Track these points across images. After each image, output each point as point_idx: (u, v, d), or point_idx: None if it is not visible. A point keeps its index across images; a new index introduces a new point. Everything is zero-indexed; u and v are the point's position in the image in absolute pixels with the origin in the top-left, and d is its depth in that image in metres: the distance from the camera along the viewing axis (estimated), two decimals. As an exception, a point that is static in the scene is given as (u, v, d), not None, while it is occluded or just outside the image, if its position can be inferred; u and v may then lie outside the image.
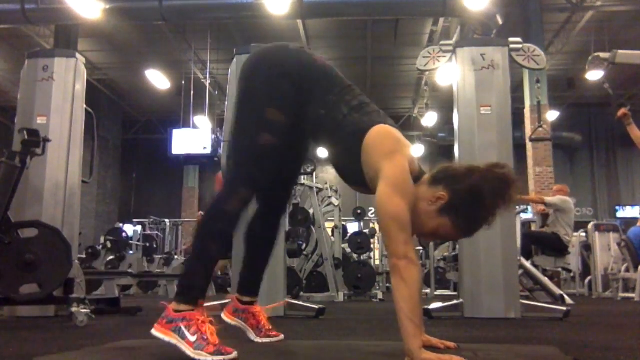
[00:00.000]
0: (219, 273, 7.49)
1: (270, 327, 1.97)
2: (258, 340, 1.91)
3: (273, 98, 1.73)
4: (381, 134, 1.61)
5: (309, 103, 1.72)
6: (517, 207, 7.06)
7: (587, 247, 8.37)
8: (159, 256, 10.06)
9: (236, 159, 1.77)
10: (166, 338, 1.57)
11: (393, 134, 1.62)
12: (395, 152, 1.56)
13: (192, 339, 1.54)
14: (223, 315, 1.94)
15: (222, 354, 1.51)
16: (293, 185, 2.08)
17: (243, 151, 1.75)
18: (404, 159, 1.55)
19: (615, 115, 4.48)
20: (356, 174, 1.64)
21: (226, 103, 3.83)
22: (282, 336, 1.96)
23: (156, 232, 11.38)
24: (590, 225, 8.11)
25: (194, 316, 1.58)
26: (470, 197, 1.50)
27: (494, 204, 1.49)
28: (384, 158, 1.55)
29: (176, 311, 1.60)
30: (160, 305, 1.66)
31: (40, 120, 3.66)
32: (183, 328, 1.56)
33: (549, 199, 6.04)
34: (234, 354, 1.52)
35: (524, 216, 7.26)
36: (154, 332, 1.60)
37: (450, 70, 3.92)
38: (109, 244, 8.06)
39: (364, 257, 7.54)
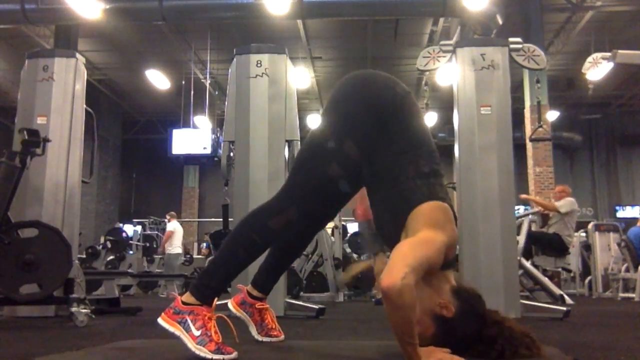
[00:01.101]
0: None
1: (274, 327, 1.96)
2: (259, 338, 1.91)
3: (357, 132, 1.63)
4: (434, 209, 1.53)
5: (384, 150, 1.62)
6: (525, 208, 7.07)
7: (587, 247, 8.38)
8: (159, 256, 10.06)
9: (298, 177, 1.72)
10: (171, 328, 1.57)
11: (446, 211, 1.54)
12: (441, 228, 1.49)
13: (197, 333, 1.54)
14: (230, 304, 1.93)
15: (223, 354, 1.51)
16: (324, 222, 2.04)
17: (308, 173, 1.69)
18: (446, 239, 1.47)
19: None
20: (393, 238, 1.55)
21: (226, 103, 3.83)
22: (282, 337, 1.96)
23: (156, 232, 11.38)
24: (590, 225, 8.11)
25: (201, 311, 1.58)
26: (465, 335, 1.47)
27: (476, 353, 1.46)
28: (428, 227, 1.48)
29: (185, 304, 1.60)
30: (169, 295, 1.67)
31: (40, 120, 3.66)
32: (189, 321, 1.56)
33: (559, 203, 5.99)
34: (234, 354, 1.52)
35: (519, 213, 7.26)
36: (160, 320, 1.60)
37: (450, 70, 3.92)
38: (109, 244, 8.05)
39: (364, 257, 7.54)
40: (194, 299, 1.60)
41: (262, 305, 1.94)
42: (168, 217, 10.15)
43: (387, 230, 1.63)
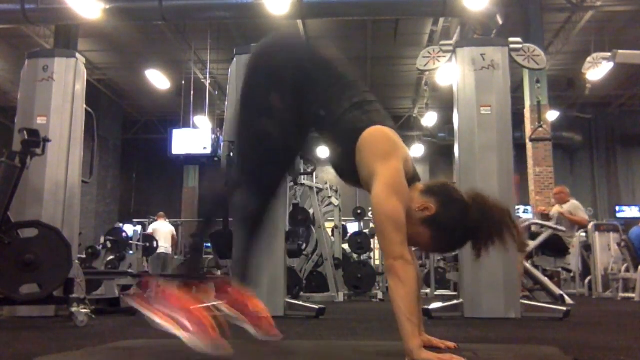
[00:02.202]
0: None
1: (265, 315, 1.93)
2: (258, 335, 1.87)
3: (278, 85, 1.73)
4: (377, 134, 1.60)
5: (312, 94, 1.72)
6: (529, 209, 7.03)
7: (587, 247, 8.37)
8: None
9: (241, 146, 1.81)
10: (151, 315, 1.59)
11: (389, 135, 1.62)
12: (391, 154, 1.56)
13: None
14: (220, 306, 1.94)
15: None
16: (285, 176, 2.09)
17: (248, 138, 1.79)
18: (399, 162, 1.55)
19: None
20: (350, 171, 1.65)
21: (226, 103, 3.83)
22: (281, 336, 1.93)
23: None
24: (590, 225, 8.10)
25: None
26: (456, 224, 1.53)
27: (474, 242, 1.53)
28: (379, 159, 1.55)
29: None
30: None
31: (40, 120, 3.66)
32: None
33: (567, 207, 5.99)
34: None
35: (524, 216, 7.26)
36: (134, 304, 1.64)
37: (450, 70, 3.92)
38: (109, 244, 8.04)
39: (364, 257, 7.54)
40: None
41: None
42: (156, 217, 10.21)
43: (344, 166, 1.71)
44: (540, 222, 5.94)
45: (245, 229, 1.95)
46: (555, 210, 6.24)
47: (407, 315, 1.40)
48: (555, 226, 5.95)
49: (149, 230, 9.62)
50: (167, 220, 10.59)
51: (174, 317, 1.56)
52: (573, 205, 6.00)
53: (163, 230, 9.83)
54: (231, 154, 3.75)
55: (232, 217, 1.78)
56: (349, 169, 1.64)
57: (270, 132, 1.72)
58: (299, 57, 1.77)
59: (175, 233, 10.38)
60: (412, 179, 1.60)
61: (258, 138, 1.74)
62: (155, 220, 10.17)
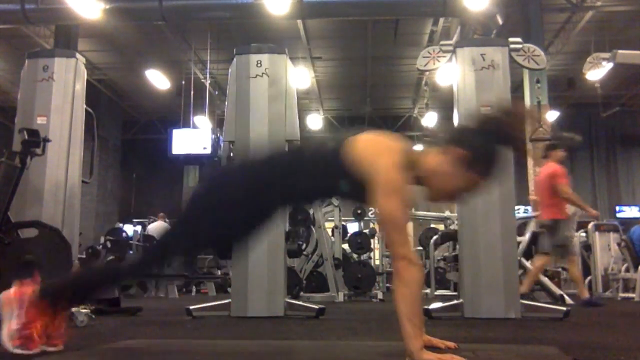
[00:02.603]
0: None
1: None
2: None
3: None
4: (361, 144, 1.59)
5: (282, 193, 1.70)
6: (533, 210, 7.02)
7: (587, 247, 8.37)
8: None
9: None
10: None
11: (371, 138, 1.62)
12: (381, 155, 1.55)
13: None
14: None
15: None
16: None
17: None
18: (390, 158, 1.54)
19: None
20: (357, 195, 1.62)
21: (226, 103, 3.83)
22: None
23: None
24: (590, 225, 8.11)
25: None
26: (488, 143, 1.53)
27: (514, 141, 1.54)
28: (372, 165, 1.53)
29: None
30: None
31: (40, 120, 3.66)
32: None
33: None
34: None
35: (523, 215, 7.26)
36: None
37: (450, 70, 3.92)
38: (109, 244, 8.05)
39: (364, 257, 7.54)
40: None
41: None
42: (157, 217, 10.28)
43: (350, 197, 1.73)
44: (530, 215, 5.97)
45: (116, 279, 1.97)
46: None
47: (408, 317, 1.40)
48: (535, 213, 5.97)
49: (149, 229, 9.66)
50: (167, 221, 10.63)
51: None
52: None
53: (159, 229, 9.85)
54: (231, 154, 3.77)
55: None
56: (356, 193, 1.61)
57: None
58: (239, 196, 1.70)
59: None
60: (413, 155, 1.59)
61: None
62: (155, 221, 10.19)
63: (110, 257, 8.05)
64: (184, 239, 1.70)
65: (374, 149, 1.58)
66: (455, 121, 3.73)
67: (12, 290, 1.71)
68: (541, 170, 5.29)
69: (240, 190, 1.67)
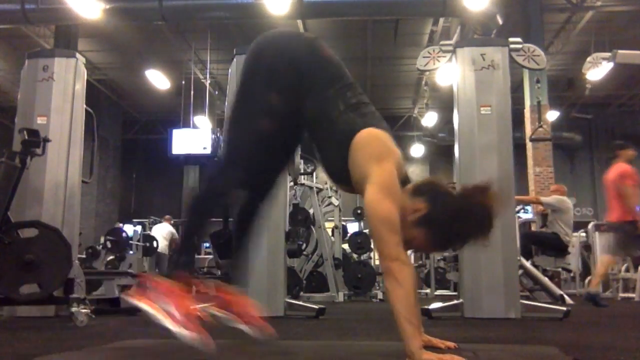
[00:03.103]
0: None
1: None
2: (248, 331, 1.85)
3: (277, 83, 1.72)
4: (371, 137, 1.60)
5: (309, 94, 1.71)
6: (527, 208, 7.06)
7: (587, 247, 8.37)
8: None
9: (234, 139, 1.77)
10: (143, 305, 1.59)
11: (383, 138, 1.62)
12: (384, 157, 1.56)
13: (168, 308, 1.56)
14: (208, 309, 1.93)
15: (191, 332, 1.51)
16: (281, 175, 2.05)
17: (242, 132, 1.75)
18: (392, 165, 1.55)
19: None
20: (342, 173, 1.64)
21: (226, 103, 3.83)
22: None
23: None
24: (590, 225, 8.11)
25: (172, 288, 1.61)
26: (447, 218, 1.51)
27: (470, 232, 1.52)
28: (373, 162, 1.54)
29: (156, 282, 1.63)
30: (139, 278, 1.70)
31: (40, 120, 3.66)
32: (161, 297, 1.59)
33: (545, 199, 6.03)
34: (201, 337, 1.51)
35: (524, 216, 7.27)
36: (128, 299, 1.64)
37: (450, 70, 3.92)
38: (109, 244, 8.05)
39: (364, 257, 7.54)
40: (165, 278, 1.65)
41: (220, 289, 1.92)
42: (162, 219, 10.38)
43: (334, 170, 1.71)
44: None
45: (236, 227, 1.96)
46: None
47: (406, 317, 1.39)
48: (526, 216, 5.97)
49: (153, 230, 9.71)
50: (172, 222, 10.71)
51: (163, 306, 1.57)
52: (553, 197, 6.02)
53: (163, 231, 9.89)
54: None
55: (229, 214, 1.78)
56: (342, 171, 1.64)
57: (269, 131, 1.71)
58: (297, 55, 1.75)
59: (176, 235, 10.44)
60: (403, 182, 1.60)
61: (256, 136, 1.72)
62: (160, 222, 10.27)
63: (110, 257, 8.07)
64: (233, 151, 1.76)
65: (380, 147, 1.59)
66: (456, 121, 3.73)
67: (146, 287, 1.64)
68: (610, 170, 5.25)
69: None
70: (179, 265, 1.68)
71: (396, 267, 1.43)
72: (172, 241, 10.02)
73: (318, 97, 1.70)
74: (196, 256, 12.41)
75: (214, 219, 1.82)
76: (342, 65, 1.80)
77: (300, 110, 1.72)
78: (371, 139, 1.60)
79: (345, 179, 1.64)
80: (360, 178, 1.57)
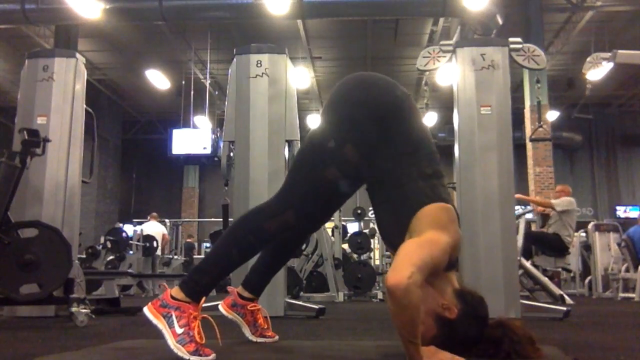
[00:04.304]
0: None
1: (267, 327, 1.96)
2: (253, 338, 1.90)
3: (355, 135, 1.62)
4: (439, 209, 1.53)
5: (384, 152, 1.61)
6: (522, 207, 7.07)
7: (587, 247, 8.38)
8: (167, 255, 10.09)
9: (296, 179, 1.71)
10: (154, 320, 1.57)
11: (450, 213, 1.55)
12: (445, 228, 1.50)
13: (179, 330, 1.53)
14: (220, 307, 1.93)
15: (200, 355, 1.49)
16: (325, 220, 2.00)
17: (307, 176, 1.68)
18: (451, 240, 1.48)
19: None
20: (396, 238, 1.54)
21: (226, 103, 3.83)
22: (276, 337, 1.95)
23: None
24: (590, 225, 8.11)
25: (188, 309, 1.57)
26: (463, 338, 1.48)
27: (471, 354, 1.47)
28: (433, 228, 1.48)
29: (173, 298, 1.59)
30: (161, 286, 1.66)
31: (40, 120, 3.66)
32: (174, 317, 1.55)
33: (555, 201, 6.00)
34: (212, 356, 1.51)
35: (526, 216, 7.27)
36: (145, 310, 1.60)
37: (450, 70, 3.92)
38: (109, 244, 8.05)
39: (364, 257, 7.54)
40: (183, 295, 1.59)
41: (254, 306, 1.93)
42: (149, 217, 10.31)
43: (390, 233, 1.62)
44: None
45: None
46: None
47: (408, 339, 1.35)
48: (525, 210, 5.97)
49: (138, 230, 9.65)
50: (163, 220, 10.67)
51: (166, 315, 1.56)
52: (562, 199, 6.01)
53: (152, 231, 9.84)
54: (231, 154, 3.76)
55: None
56: (397, 237, 1.54)
57: (333, 179, 1.64)
58: (386, 112, 1.63)
59: (166, 233, 10.45)
60: (450, 267, 1.53)
61: (318, 182, 1.65)
62: (148, 221, 10.24)
63: (110, 257, 8.07)
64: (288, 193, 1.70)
65: (446, 220, 1.53)
66: (456, 121, 3.73)
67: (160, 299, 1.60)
68: None
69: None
70: (197, 290, 1.61)
71: (404, 287, 1.30)
72: (163, 240, 10.01)
73: (393, 159, 1.61)
74: (196, 256, 12.45)
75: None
76: (427, 130, 1.71)
77: (370, 165, 1.63)
78: (438, 212, 1.53)
79: (397, 243, 1.52)
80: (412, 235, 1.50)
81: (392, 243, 1.58)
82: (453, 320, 1.47)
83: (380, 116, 1.62)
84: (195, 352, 1.49)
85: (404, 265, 1.34)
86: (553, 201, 6.02)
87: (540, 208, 6.64)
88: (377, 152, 1.61)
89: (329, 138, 1.65)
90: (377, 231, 1.76)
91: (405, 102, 1.68)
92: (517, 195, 7.36)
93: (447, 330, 1.47)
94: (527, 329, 1.53)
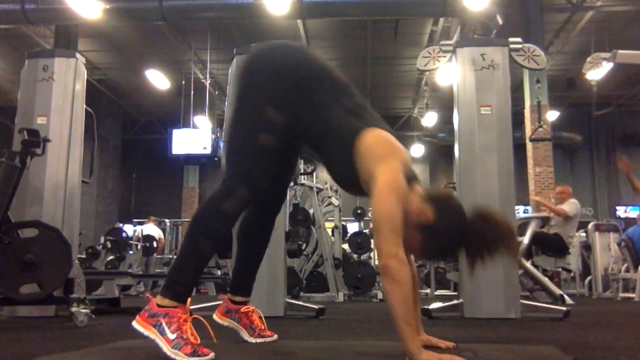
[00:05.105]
0: None
1: (264, 327, 1.95)
2: (252, 340, 1.90)
3: (273, 97, 1.70)
4: (374, 137, 1.60)
5: (306, 105, 1.70)
6: (535, 207, 7.06)
7: (587, 247, 8.37)
8: (159, 256, 10.08)
9: (235, 158, 1.74)
10: (145, 332, 1.56)
11: (387, 138, 1.62)
12: (390, 156, 1.56)
13: (172, 336, 1.52)
14: (215, 317, 1.93)
15: (199, 356, 1.49)
16: (288, 186, 2.06)
17: (242, 150, 1.72)
18: (398, 163, 1.55)
19: (618, 164, 4.52)
20: (349, 177, 1.63)
21: (226, 103, 3.83)
22: (275, 336, 1.95)
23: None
24: (590, 225, 8.11)
25: (176, 313, 1.56)
26: (450, 236, 1.53)
27: (471, 256, 1.52)
28: (379, 162, 1.54)
29: (160, 306, 1.58)
30: (145, 297, 1.65)
31: (40, 120, 3.66)
32: (164, 324, 1.55)
33: (567, 209, 5.96)
34: (211, 355, 1.50)
35: (523, 215, 7.28)
36: (134, 324, 1.59)
37: (450, 70, 3.92)
38: (109, 244, 8.05)
39: (364, 257, 7.54)
40: (168, 300, 1.59)
41: (247, 308, 1.93)
42: (148, 220, 10.35)
43: (341, 174, 1.70)
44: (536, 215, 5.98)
45: (240, 240, 1.97)
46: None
47: (404, 319, 1.38)
48: (538, 214, 5.97)
49: (137, 231, 9.66)
50: (163, 221, 10.68)
51: (156, 324, 1.55)
52: (570, 203, 6.00)
53: (150, 233, 9.86)
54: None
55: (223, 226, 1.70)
56: (350, 177, 1.63)
57: (269, 146, 1.68)
58: (290, 67, 1.74)
59: (162, 236, 10.47)
60: (410, 181, 1.58)
61: (257, 152, 1.69)
62: (147, 223, 10.27)
63: (110, 257, 8.08)
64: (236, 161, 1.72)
65: (386, 147, 1.59)
66: (456, 121, 3.73)
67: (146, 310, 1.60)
68: None
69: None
70: (179, 292, 1.61)
71: (394, 265, 1.41)
72: (160, 243, 10.05)
73: (314, 106, 1.69)
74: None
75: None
76: (333, 69, 1.79)
77: (299, 122, 1.71)
78: (374, 140, 1.59)
79: (354, 183, 1.63)
80: (367, 179, 1.57)
81: (350, 186, 1.69)
82: (432, 222, 1.52)
83: (288, 72, 1.72)
84: (193, 354, 1.49)
85: (385, 247, 1.44)
86: (564, 208, 5.98)
87: (541, 209, 6.64)
88: (298, 106, 1.70)
89: (250, 108, 1.73)
90: (336, 183, 1.78)
91: (303, 51, 1.82)
92: (536, 198, 7.40)
93: (431, 233, 1.53)
94: (505, 218, 1.56)
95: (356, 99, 1.74)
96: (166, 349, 1.51)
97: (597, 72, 5.19)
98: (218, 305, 2.00)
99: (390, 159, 1.55)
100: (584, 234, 8.62)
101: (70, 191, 3.68)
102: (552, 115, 11.61)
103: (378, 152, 1.57)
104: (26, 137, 2.95)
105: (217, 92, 14.05)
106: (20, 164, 2.90)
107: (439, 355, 1.41)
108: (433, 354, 1.40)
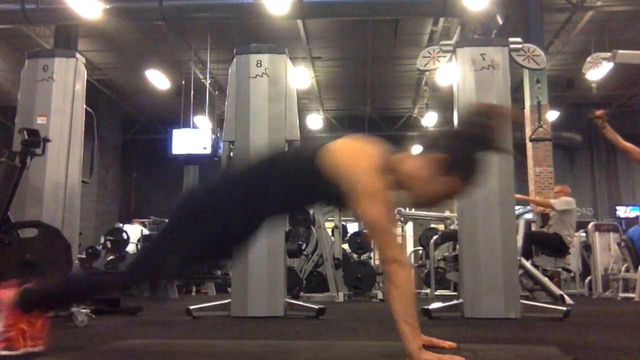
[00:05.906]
0: None
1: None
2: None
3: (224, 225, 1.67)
4: (335, 150, 1.56)
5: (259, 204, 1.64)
6: (523, 207, 7.07)
7: (587, 247, 8.37)
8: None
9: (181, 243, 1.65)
10: None
11: (343, 144, 1.58)
12: (356, 161, 1.52)
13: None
14: None
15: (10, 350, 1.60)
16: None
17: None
18: (366, 162, 1.51)
19: (592, 115, 4.29)
20: (338, 198, 1.55)
21: (226, 103, 3.83)
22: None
23: (156, 232, 11.36)
24: (590, 225, 8.11)
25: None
26: (469, 150, 1.53)
27: (491, 140, 1.53)
28: (347, 171, 1.50)
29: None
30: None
31: (40, 120, 3.66)
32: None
33: (554, 201, 6.00)
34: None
35: (526, 216, 7.28)
36: None
37: (450, 70, 3.92)
38: (109, 244, 8.05)
39: (364, 257, 7.54)
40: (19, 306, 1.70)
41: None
42: (133, 221, 10.35)
43: (333, 199, 1.65)
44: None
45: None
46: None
47: (404, 319, 1.40)
48: (524, 210, 5.97)
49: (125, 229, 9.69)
50: (162, 222, 10.69)
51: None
52: (561, 199, 6.01)
53: (133, 233, 9.85)
54: (231, 155, 3.77)
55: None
56: (336, 197, 1.56)
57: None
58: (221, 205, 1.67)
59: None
60: (393, 157, 1.56)
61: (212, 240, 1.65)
62: (132, 224, 10.31)
63: (110, 257, 8.07)
64: (173, 252, 1.59)
65: (350, 155, 1.55)
66: (456, 122, 3.73)
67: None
68: None
69: (223, 203, 1.63)
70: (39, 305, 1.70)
71: (394, 268, 1.44)
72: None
73: (272, 194, 1.62)
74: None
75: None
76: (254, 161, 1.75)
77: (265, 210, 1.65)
78: (332, 155, 1.54)
79: (343, 201, 1.54)
80: (347, 191, 1.50)
81: (341, 207, 1.65)
82: (451, 156, 1.51)
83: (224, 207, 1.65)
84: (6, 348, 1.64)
85: (382, 252, 1.49)
86: (552, 201, 6.03)
87: (540, 208, 6.64)
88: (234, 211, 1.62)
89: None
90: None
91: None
92: (517, 195, 7.41)
93: (462, 163, 1.51)
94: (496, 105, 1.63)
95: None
96: None
97: (597, 72, 5.18)
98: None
99: (359, 163, 1.51)
100: (584, 234, 8.61)
101: (70, 191, 3.68)
102: (552, 115, 11.61)
103: (344, 163, 1.52)
104: (26, 137, 2.95)
105: (217, 92, 14.04)
106: (20, 164, 2.91)
107: (439, 356, 1.41)
108: (433, 354, 1.41)
